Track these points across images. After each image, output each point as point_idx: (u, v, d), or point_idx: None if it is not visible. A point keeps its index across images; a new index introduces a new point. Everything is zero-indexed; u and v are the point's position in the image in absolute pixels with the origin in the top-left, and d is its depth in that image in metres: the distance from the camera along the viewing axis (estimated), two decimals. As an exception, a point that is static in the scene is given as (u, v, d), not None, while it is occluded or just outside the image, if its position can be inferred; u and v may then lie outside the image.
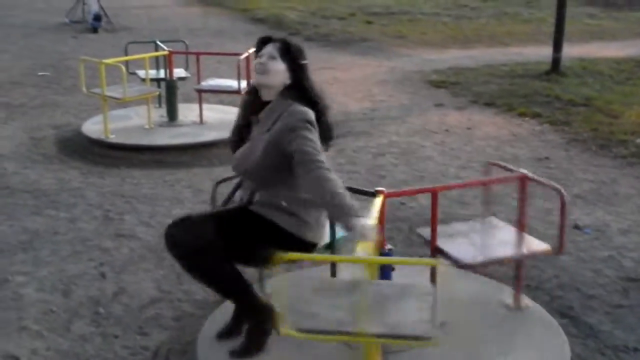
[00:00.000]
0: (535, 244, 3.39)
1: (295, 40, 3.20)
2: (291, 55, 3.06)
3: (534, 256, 3.66)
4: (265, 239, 3.00)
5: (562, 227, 3.29)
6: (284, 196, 3.03)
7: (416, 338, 2.42)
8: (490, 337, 3.26)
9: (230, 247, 2.94)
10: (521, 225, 3.45)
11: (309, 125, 2.94)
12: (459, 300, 3.35)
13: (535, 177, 3.46)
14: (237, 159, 3.14)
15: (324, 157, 2.89)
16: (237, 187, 3.29)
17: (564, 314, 3.69)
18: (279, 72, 3.03)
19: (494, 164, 3.71)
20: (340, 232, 3.21)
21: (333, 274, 3.51)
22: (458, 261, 3.16)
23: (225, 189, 3.42)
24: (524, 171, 3.45)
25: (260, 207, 3.06)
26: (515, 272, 3.57)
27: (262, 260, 2.92)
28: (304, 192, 2.95)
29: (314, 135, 2.94)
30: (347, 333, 2.43)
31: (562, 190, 3.29)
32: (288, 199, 3.03)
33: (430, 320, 2.44)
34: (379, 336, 2.43)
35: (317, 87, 3.14)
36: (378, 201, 2.97)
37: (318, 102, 3.08)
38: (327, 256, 3.30)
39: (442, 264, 3.10)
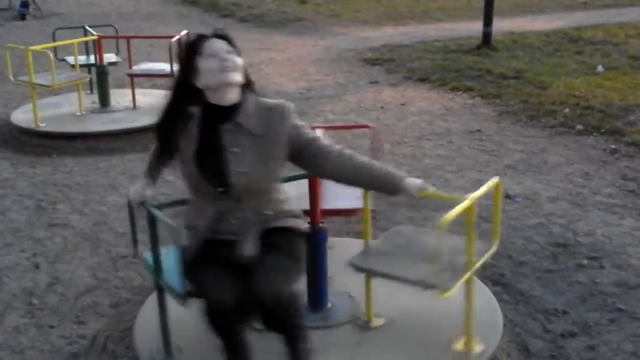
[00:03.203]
0: None
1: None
2: (237, 49, 2.77)
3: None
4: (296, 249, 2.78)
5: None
6: (274, 201, 2.81)
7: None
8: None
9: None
10: None
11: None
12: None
13: None
14: (241, 173, 2.64)
15: None
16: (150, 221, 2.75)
17: (496, 281, 3.79)
18: (241, 67, 2.72)
19: None
20: None
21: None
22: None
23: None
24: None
25: (277, 221, 2.78)
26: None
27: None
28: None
29: None
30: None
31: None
32: (276, 203, 2.82)
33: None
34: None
35: None
36: None
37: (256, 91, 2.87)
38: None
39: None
